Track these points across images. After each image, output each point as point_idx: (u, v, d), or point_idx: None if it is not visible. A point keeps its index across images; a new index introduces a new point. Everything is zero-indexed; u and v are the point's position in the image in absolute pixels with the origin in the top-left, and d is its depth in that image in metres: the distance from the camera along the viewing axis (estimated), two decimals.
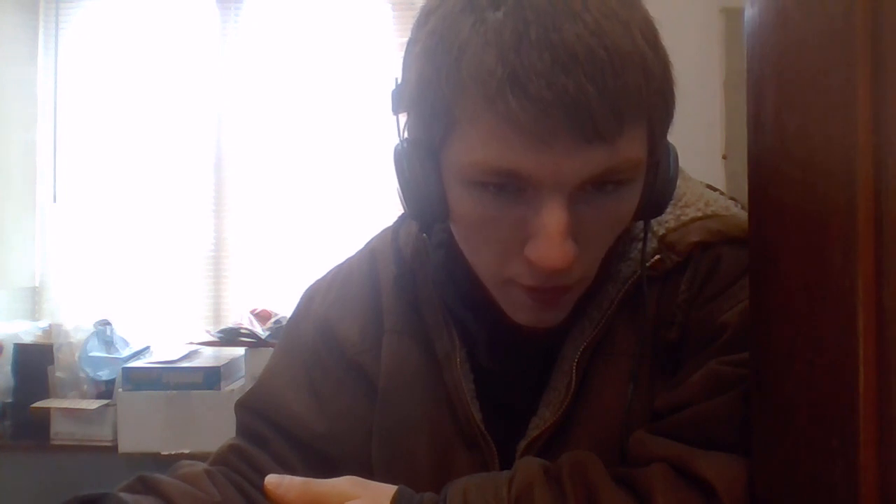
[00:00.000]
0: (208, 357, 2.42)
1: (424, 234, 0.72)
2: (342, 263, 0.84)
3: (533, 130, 0.53)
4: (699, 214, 0.68)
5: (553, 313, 0.62)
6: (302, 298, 0.84)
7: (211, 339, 2.48)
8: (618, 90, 0.52)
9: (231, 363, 2.36)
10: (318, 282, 0.84)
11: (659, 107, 0.58)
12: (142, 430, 2.24)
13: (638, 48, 0.54)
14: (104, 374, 2.39)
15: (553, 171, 0.54)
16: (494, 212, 0.57)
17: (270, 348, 1.90)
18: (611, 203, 0.58)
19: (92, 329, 2.45)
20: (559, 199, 0.55)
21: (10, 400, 2.41)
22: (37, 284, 2.77)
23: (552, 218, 0.55)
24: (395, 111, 0.64)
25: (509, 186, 0.56)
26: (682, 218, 0.68)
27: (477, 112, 0.54)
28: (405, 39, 0.62)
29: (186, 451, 2.14)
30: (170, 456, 2.17)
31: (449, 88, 0.55)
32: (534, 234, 0.56)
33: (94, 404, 2.33)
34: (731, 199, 0.72)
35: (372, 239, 0.83)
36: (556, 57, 0.52)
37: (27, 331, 2.55)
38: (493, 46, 0.53)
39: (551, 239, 0.55)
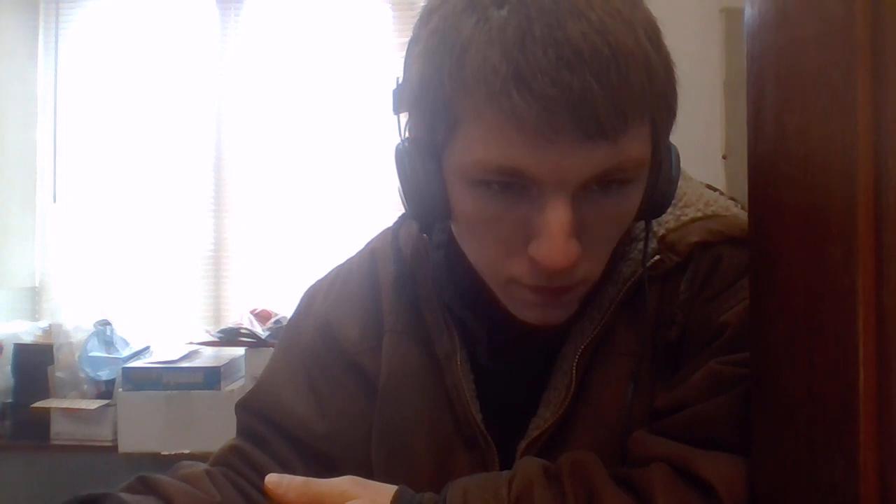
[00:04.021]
0: (208, 357, 2.42)
1: (425, 235, 0.72)
2: (342, 264, 0.84)
3: (536, 128, 0.53)
4: (699, 214, 0.68)
5: (558, 311, 0.62)
6: (302, 299, 0.84)
7: (211, 339, 2.47)
8: (622, 88, 0.53)
9: (231, 363, 2.36)
10: (318, 282, 0.84)
11: (662, 106, 0.58)
12: (142, 430, 2.24)
13: (641, 47, 0.54)
14: (104, 374, 2.38)
15: (556, 168, 0.54)
16: (497, 211, 0.57)
17: (270, 348, 1.90)
18: (614, 202, 0.58)
19: (92, 329, 2.45)
20: (563, 197, 0.55)
21: (10, 400, 2.41)
22: (37, 284, 2.77)
23: (556, 216, 0.55)
24: (396, 111, 0.64)
25: (512, 185, 0.56)
26: (682, 218, 0.68)
27: (480, 110, 0.54)
28: (405, 39, 0.62)
29: (186, 451, 2.14)
30: (170, 456, 2.17)
31: (451, 87, 0.55)
32: (537, 233, 0.56)
33: (94, 404, 2.33)
34: (731, 199, 0.72)
35: (372, 239, 0.84)
36: (560, 54, 0.52)
37: (27, 331, 2.55)
38: (496, 44, 0.53)
39: (555, 238, 0.55)
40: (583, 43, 0.52)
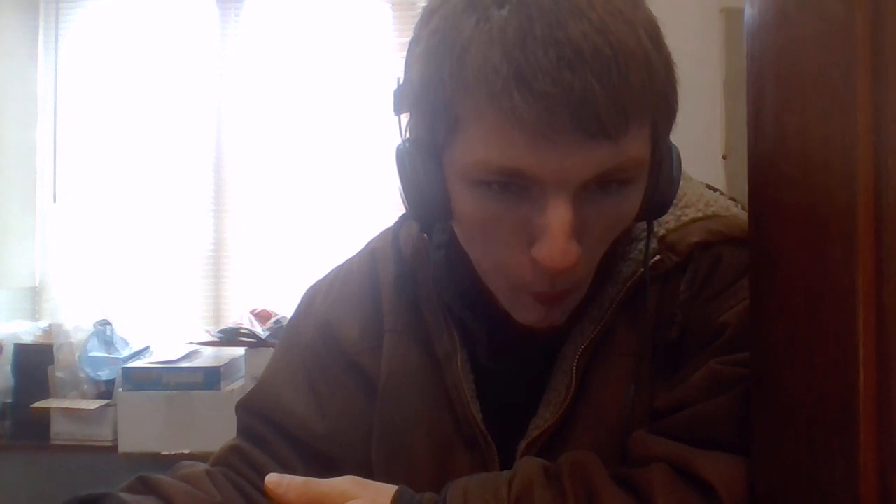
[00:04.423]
0: (208, 357, 2.42)
1: (425, 235, 0.72)
2: (343, 264, 0.84)
3: (537, 127, 0.53)
4: (699, 215, 0.68)
5: (558, 312, 0.62)
6: (302, 299, 0.84)
7: (211, 339, 2.47)
8: (623, 88, 0.53)
9: (231, 363, 2.36)
10: (318, 282, 0.84)
11: (662, 106, 0.58)
12: (142, 430, 2.24)
13: (643, 47, 0.54)
14: (104, 374, 2.38)
15: (557, 168, 0.54)
16: (498, 211, 0.57)
17: (270, 348, 1.90)
18: (614, 203, 0.58)
19: (92, 329, 2.45)
20: (564, 197, 0.55)
21: (10, 400, 2.41)
22: (37, 284, 2.77)
23: (557, 217, 0.55)
24: (397, 111, 0.63)
25: (513, 185, 0.56)
26: (683, 218, 0.68)
27: (481, 110, 0.54)
28: (405, 40, 0.62)
29: (186, 451, 2.14)
30: (170, 456, 2.17)
31: (452, 87, 0.55)
32: (539, 234, 0.56)
33: (94, 404, 2.33)
34: (731, 199, 0.72)
35: (372, 239, 0.84)
36: (561, 54, 0.52)
37: (27, 331, 2.55)
38: (497, 44, 0.53)
39: (556, 238, 0.55)
40: (584, 43, 0.52)
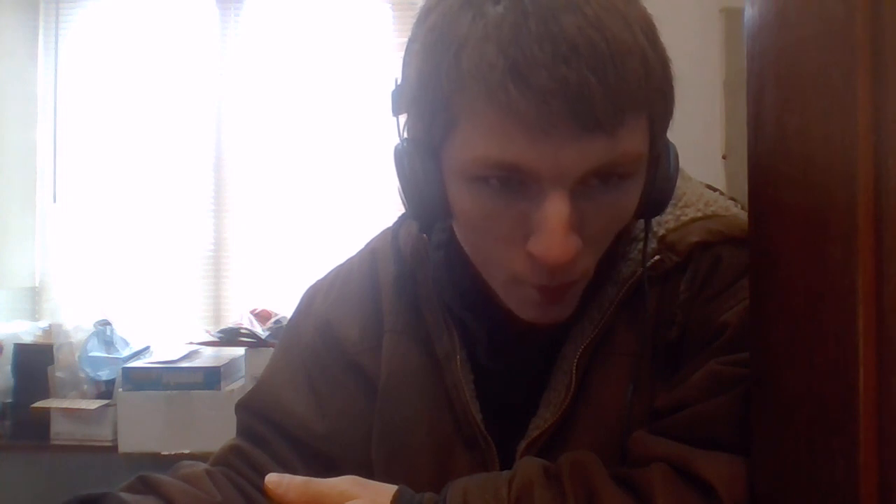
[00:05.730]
0: (208, 357, 2.42)
1: (425, 235, 0.72)
2: (343, 264, 0.84)
3: (534, 121, 0.53)
4: (699, 214, 0.68)
5: (559, 308, 0.62)
6: (302, 299, 0.84)
7: (211, 339, 2.47)
8: (618, 82, 0.53)
9: (231, 363, 2.36)
10: (318, 282, 0.84)
11: (658, 102, 0.58)
12: (142, 430, 2.24)
13: (638, 42, 0.54)
14: (104, 374, 2.38)
15: (554, 162, 0.54)
16: (497, 207, 0.58)
17: (270, 348, 1.90)
18: (612, 198, 0.58)
19: (92, 329, 2.45)
20: (561, 191, 0.55)
21: (10, 400, 2.41)
22: (37, 284, 2.77)
23: (554, 211, 0.55)
24: (396, 112, 0.64)
25: (511, 180, 0.56)
26: (682, 218, 0.68)
27: (478, 106, 0.55)
28: (405, 39, 0.62)
29: (186, 451, 2.14)
30: (170, 456, 2.17)
31: (449, 84, 0.55)
32: (536, 229, 0.56)
33: (94, 404, 2.33)
34: (731, 199, 0.72)
35: (372, 239, 0.84)
36: (556, 48, 0.52)
37: (27, 331, 2.55)
38: (492, 40, 0.53)
39: (554, 233, 0.55)
40: (579, 37, 0.52)
